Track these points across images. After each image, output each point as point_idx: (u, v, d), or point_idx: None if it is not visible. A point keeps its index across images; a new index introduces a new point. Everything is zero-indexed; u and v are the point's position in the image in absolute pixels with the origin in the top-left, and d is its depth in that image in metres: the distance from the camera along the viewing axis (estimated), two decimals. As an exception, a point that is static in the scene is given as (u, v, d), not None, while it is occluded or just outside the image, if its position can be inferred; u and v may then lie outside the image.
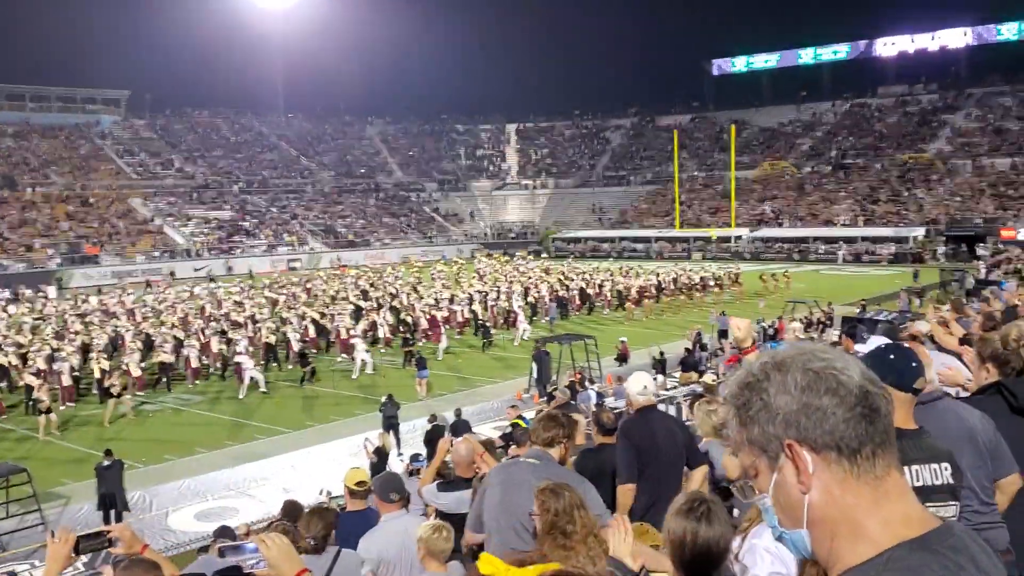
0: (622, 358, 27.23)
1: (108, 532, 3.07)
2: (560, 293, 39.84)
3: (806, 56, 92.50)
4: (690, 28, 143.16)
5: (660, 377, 22.41)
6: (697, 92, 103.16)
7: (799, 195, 74.80)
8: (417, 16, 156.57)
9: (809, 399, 1.28)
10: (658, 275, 44.15)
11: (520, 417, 15.63)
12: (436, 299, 36.36)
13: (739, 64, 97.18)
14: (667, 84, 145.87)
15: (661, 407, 7.97)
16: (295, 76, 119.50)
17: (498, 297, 38.13)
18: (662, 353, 25.63)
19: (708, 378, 16.18)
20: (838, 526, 1.27)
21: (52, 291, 48.97)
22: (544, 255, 66.17)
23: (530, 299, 38.46)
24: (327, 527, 5.04)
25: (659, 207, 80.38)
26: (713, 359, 24.78)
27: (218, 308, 37.39)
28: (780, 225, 70.90)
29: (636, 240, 74.81)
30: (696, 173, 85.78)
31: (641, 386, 5.92)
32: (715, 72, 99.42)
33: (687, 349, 25.88)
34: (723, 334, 28.45)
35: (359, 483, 6.31)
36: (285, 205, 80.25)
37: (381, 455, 16.40)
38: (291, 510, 8.98)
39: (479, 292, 39.02)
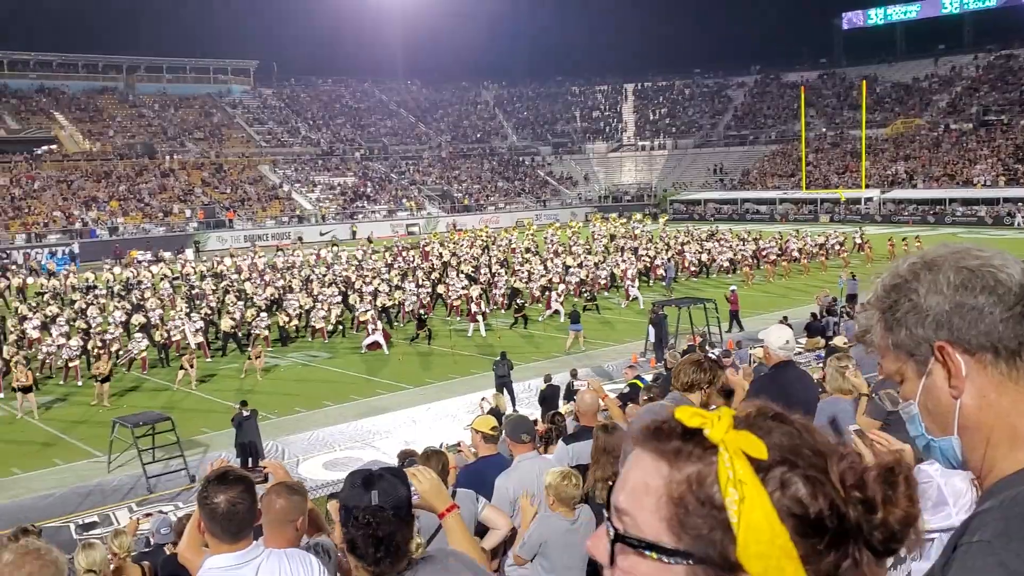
0: (733, 315, 26.69)
1: (264, 467, 3.27)
2: (675, 256, 39.37)
3: (950, 5, 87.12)
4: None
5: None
6: (825, 47, 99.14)
7: (935, 154, 71.09)
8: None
9: (963, 298, 1.19)
10: (781, 239, 43.01)
11: (638, 377, 15.69)
12: (547, 268, 36.13)
13: (875, 16, 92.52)
14: (792, 39, 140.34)
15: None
16: (413, 44, 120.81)
17: (603, 262, 38.12)
18: (786, 318, 25.06)
19: (839, 340, 15.77)
20: (993, 432, 1.19)
21: (190, 253, 51.56)
22: (662, 217, 65.23)
23: (642, 264, 38.07)
24: (443, 467, 5.26)
25: (784, 167, 77.96)
26: (841, 323, 24.02)
27: (340, 270, 38.61)
28: (914, 186, 67.63)
29: (759, 202, 72.86)
30: (824, 131, 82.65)
31: (783, 339, 5.80)
32: (845, 26, 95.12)
33: (813, 314, 25.17)
34: (851, 298, 27.54)
35: (493, 428, 6.54)
36: (403, 171, 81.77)
37: (496, 415, 16.72)
38: (404, 456, 9.34)
39: (587, 256, 39.03)
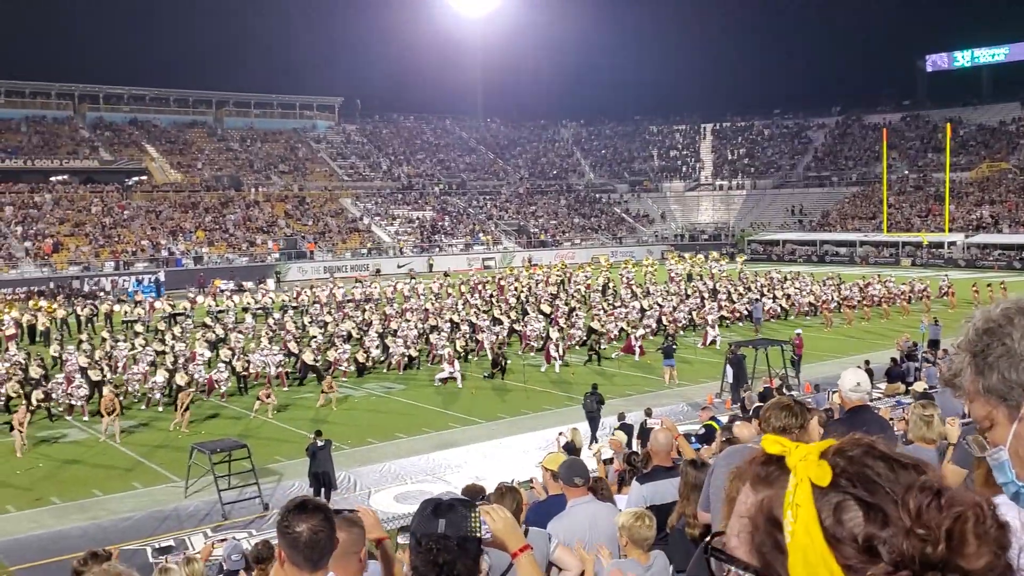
0: (794, 360, 25.84)
1: (356, 511, 3.25)
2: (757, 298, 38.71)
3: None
4: (901, 23, 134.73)
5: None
6: (908, 89, 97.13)
7: (1021, 198, 68.70)
8: (611, 18, 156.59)
9: None
10: (862, 282, 41.99)
11: (713, 419, 15.38)
12: (626, 311, 35.78)
13: (960, 59, 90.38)
14: (875, 81, 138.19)
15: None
16: (493, 81, 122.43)
17: (683, 301, 37.72)
18: (867, 363, 24.33)
19: (919, 386, 15.22)
20: None
21: (271, 284, 52.76)
22: (739, 257, 64.31)
23: (723, 308, 37.53)
24: (517, 505, 5.18)
25: (864, 209, 76.23)
26: (923, 369, 23.22)
27: (417, 303, 39.00)
28: (999, 231, 65.37)
29: (839, 244, 71.30)
30: (906, 173, 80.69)
31: (854, 382, 5.64)
32: (928, 68, 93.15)
33: (893, 359, 24.40)
34: (934, 344, 26.66)
35: (558, 467, 6.43)
36: (481, 206, 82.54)
37: (571, 450, 16.54)
38: (472, 492, 9.25)
39: (665, 295, 38.65)
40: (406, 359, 29.12)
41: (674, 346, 27.60)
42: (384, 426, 22.14)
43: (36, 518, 16.17)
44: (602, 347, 30.47)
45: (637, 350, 30.60)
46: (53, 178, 67.38)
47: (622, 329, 32.87)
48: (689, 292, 41.48)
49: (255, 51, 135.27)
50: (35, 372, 25.37)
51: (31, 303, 41.75)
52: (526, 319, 33.89)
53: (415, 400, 25.13)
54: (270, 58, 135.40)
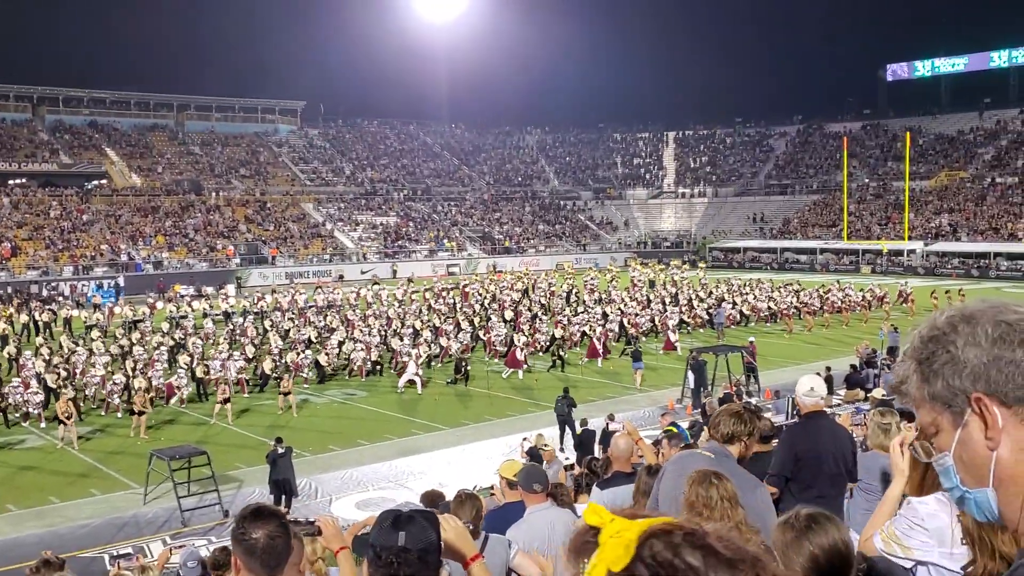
0: (749, 366, 26.00)
1: (316, 521, 3.25)
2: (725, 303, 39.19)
3: (999, 59, 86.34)
4: (862, 33, 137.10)
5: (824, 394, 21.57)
6: (869, 98, 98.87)
7: (979, 207, 70.17)
8: (576, 26, 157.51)
9: (1001, 351, 1.20)
10: (822, 289, 42.62)
11: (673, 424, 15.52)
12: (588, 317, 35.95)
13: (921, 68, 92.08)
14: (836, 90, 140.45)
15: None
16: (459, 87, 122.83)
17: (645, 307, 37.99)
18: (828, 369, 24.71)
19: (878, 392, 15.50)
20: None
21: (232, 289, 52.22)
22: (701, 264, 64.89)
23: (684, 312, 37.92)
24: (477, 512, 5.19)
25: (825, 217, 77.37)
26: (882, 376, 23.63)
27: (380, 309, 38.87)
28: (958, 239, 66.70)
29: (799, 251, 72.27)
30: (867, 182, 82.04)
31: (808, 387, 5.75)
32: (889, 78, 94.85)
33: (853, 366, 24.80)
34: (892, 351, 27.13)
35: (516, 474, 6.45)
36: (446, 212, 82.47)
37: (534, 456, 16.61)
38: (431, 498, 9.25)
39: (627, 301, 38.96)
40: (368, 365, 29.01)
41: (640, 349, 27.97)
42: (346, 432, 22.05)
43: (-10, 526, 15.89)
44: (565, 352, 30.60)
45: (601, 350, 30.84)
46: (11, 181, 66.08)
47: (584, 333, 33.05)
48: (651, 298, 41.81)
49: (217, 54, 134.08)
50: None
51: (-14, 308, 40.94)
52: (489, 324, 33.94)
53: (378, 407, 25.05)
54: (233, 61, 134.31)
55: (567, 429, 20.24)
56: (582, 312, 36.82)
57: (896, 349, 27.59)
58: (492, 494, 9.29)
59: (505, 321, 35.39)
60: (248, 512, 2.78)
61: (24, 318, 38.05)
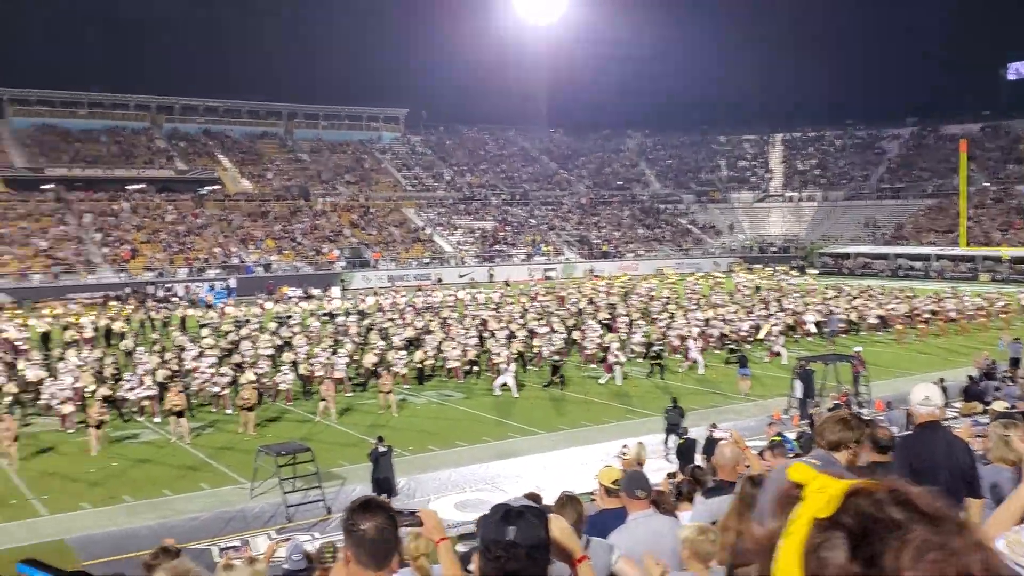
0: (857, 376, 24.92)
1: (417, 513, 3.27)
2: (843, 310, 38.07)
3: None
4: (981, 29, 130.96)
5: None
6: (988, 98, 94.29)
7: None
8: (679, 26, 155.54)
9: None
10: (937, 297, 40.84)
11: (780, 435, 15.05)
12: (688, 321, 35.41)
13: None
14: (953, 90, 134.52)
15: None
16: (558, 91, 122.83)
17: (749, 313, 37.09)
18: (942, 380, 23.58)
19: (998, 405, 14.67)
20: None
21: (336, 291, 53.51)
22: (809, 270, 63.07)
23: (791, 319, 36.90)
24: (579, 516, 5.12)
25: (941, 222, 74.17)
26: (1003, 388, 22.39)
27: (477, 312, 39.13)
28: (1086, 245, 62.98)
29: (914, 258, 69.45)
30: (986, 186, 78.27)
31: (923, 396, 5.44)
32: (1011, 76, 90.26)
33: (971, 377, 23.58)
34: (1014, 362, 25.75)
35: (615, 481, 6.36)
36: (543, 216, 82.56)
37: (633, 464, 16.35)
38: (532, 499, 9.19)
39: (730, 308, 38.07)
40: (466, 368, 29.22)
41: (745, 356, 27.43)
42: (444, 433, 22.23)
43: (109, 515, 16.58)
44: (664, 358, 30.09)
45: (699, 358, 30.31)
46: (130, 187, 69.44)
47: (683, 339, 32.47)
48: (756, 305, 40.80)
49: (325, 64, 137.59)
50: (108, 372, 26.06)
51: (108, 307, 43.02)
52: (584, 328, 33.74)
53: (475, 409, 25.17)
54: (339, 70, 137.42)
55: (672, 437, 19.88)
56: (681, 317, 36.25)
57: (1018, 361, 26.17)
58: (594, 499, 9.17)
59: (601, 324, 35.12)
60: (357, 504, 2.84)
61: (140, 317, 39.81)
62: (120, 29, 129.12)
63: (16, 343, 31.84)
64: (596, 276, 62.22)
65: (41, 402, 24.61)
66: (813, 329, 36.45)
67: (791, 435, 16.19)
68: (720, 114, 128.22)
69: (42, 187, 65.30)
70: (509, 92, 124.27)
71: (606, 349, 30.00)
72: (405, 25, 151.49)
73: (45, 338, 34.05)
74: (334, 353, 28.43)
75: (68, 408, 23.26)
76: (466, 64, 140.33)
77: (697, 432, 18.85)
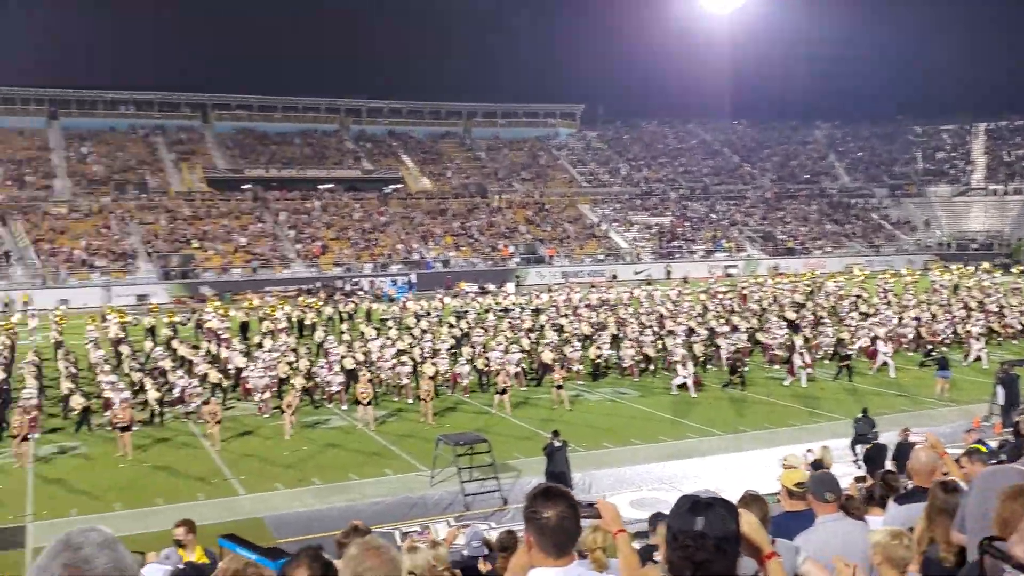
0: None
1: (596, 504, 3.27)
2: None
3: None
4: None
5: None
6: None
7: None
8: (870, 9, 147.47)
9: None
10: None
11: (980, 442, 13.93)
12: (879, 320, 33.52)
13: None
14: None
15: None
16: (741, 82, 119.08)
17: (947, 313, 34.54)
18: None
19: None
20: None
21: (511, 287, 54.36)
22: (1015, 268, 58.23)
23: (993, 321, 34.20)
24: (764, 515, 4.99)
25: None
26: None
27: (653, 309, 38.63)
28: None
29: None
30: None
31: None
32: None
33: None
34: None
35: (798, 484, 6.17)
36: (725, 211, 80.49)
37: (818, 468, 15.63)
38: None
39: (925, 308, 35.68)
40: (642, 365, 28.90)
41: (945, 357, 25.77)
42: (619, 430, 22.10)
43: (300, 497, 17.56)
44: (852, 359, 28.61)
45: (884, 358, 28.65)
46: (321, 186, 73.40)
47: (875, 337, 30.73)
48: (953, 304, 38.10)
49: (503, 62, 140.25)
50: (303, 364, 27.57)
51: (300, 300, 45.63)
52: (768, 326, 32.59)
53: (650, 407, 24.86)
54: (517, 68, 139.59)
55: (860, 446, 18.89)
56: (872, 315, 34.38)
57: None
58: (779, 500, 8.86)
59: (785, 321, 33.83)
60: (539, 492, 2.88)
61: (329, 310, 41.98)
62: (312, 36, 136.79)
63: (218, 332, 34.27)
64: (780, 273, 60.01)
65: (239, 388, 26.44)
66: (1018, 327, 33.67)
67: (992, 444, 14.96)
68: (916, 102, 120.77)
69: (242, 187, 70.19)
70: (689, 84, 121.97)
71: (791, 349, 28.89)
72: (582, 20, 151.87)
73: (244, 328, 36.49)
74: (508, 347, 28.87)
75: (265, 394, 24.82)
76: (644, 56, 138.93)
77: (887, 437, 17.82)
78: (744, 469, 18.17)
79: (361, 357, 27.85)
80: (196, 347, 30.88)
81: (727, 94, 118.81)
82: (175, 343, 31.72)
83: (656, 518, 9.43)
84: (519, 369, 27.72)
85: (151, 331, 34.84)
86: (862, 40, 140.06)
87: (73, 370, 26.03)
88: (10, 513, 16.66)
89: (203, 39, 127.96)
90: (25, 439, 19.92)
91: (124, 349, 30.30)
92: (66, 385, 24.20)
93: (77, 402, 22.72)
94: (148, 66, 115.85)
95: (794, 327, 33.18)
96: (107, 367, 26.84)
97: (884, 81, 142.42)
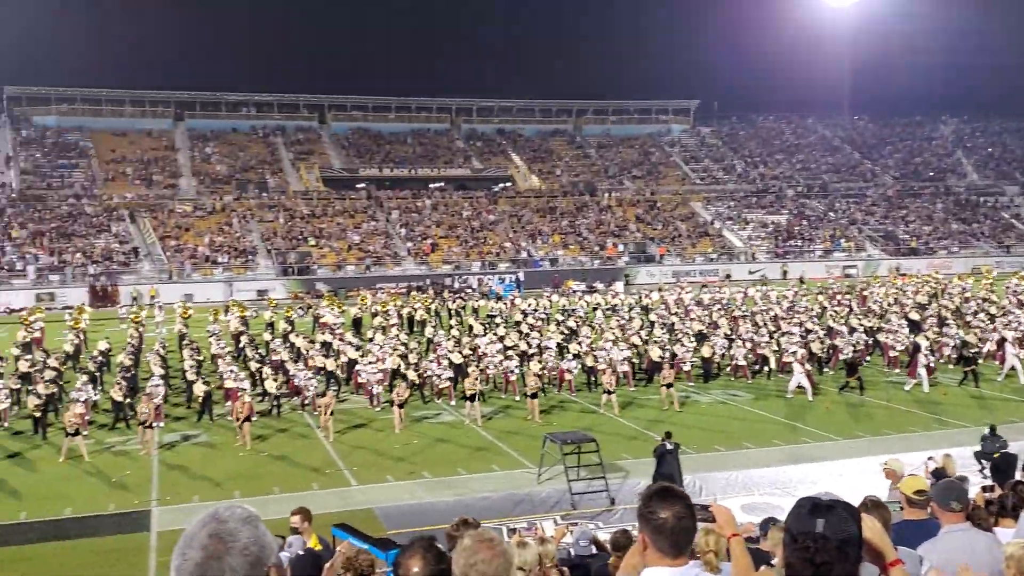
0: None
1: (710, 507, 3.23)
2: None
3: None
4: None
5: None
6: None
7: None
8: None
9: None
10: None
11: None
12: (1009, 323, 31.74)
13: None
14: None
15: None
16: (862, 75, 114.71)
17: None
18: None
19: None
20: None
21: (620, 286, 53.91)
22: None
23: None
24: (884, 523, 4.79)
25: None
26: None
27: (767, 311, 37.64)
28: None
29: None
30: None
31: None
32: None
33: None
34: None
35: (918, 492, 5.92)
36: (844, 210, 77.81)
37: (940, 478, 14.88)
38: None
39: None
40: (756, 367, 28.20)
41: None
42: (731, 433, 21.63)
43: (410, 489, 17.85)
44: (979, 364, 27.16)
45: (1012, 363, 27.12)
46: (432, 185, 74.56)
47: (1003, 340, 29.11)
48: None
49: (614, 58, 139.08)
50: (412, 357, 28.03)
51: (411, 297, 46.44)
52: (888, 326, 31.28)
53: (764, 410, 24.22)
54: (628, 64, 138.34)
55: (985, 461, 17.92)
56: (1000, 316, 32.61)
57: None
58: (901, 508, 8.51)
59: (908, 321, 32.41)
60: (655, 491, 2.87)
61: (438, 306, 42.58)
62: (424, 37, 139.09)
63: (333, 327, 35.20)
64: (903, 274, 57.61)
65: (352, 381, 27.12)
66: None
67: None
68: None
69: (356, 186, 71.98)
70: (807, 78, 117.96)
71: (913, 353, 27.65)
72: (694, 13, 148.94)
73: (357, 323, 37.37)
74: (616, 346, 28.64)
75: (377, 388, 25.33)
76: (760, 50, 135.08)
77: (1018, 446, 16.80)
78: (862, 475, 17.46)
79: (469, 352, 28.14)
80: (312, 340, 31.83)
81: (847, 88, 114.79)
82: (292, 336, 32.75)
83: (768, 523, 9.15)
84: (627, 368, 27.45)
85: (270, 325, 36.09)
86: (992, 30, 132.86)
87: (197, 359, 27.16)
88: (136, 498, 17.51)
89: (321, 43, 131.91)
90: (151, 426, 20.88)
91: (244, 341, 31.49)
92: (190, 375, 25.31)
93: (199, 391, 23.72)
94: (268, 69, 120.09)
95: (917, 328, 31.78)
96: (228, 358, 27.97)
97: (1017, 73, 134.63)
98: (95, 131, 74.74)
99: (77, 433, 20.25)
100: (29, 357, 28.61)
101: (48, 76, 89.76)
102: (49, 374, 25.02)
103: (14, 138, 72.29)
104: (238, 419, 21.28)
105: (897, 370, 28.47)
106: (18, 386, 25.09)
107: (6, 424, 23.06)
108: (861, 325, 32.14)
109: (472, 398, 23.02)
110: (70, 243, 57.11)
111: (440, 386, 25.91)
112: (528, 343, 29.76)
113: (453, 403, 25.14)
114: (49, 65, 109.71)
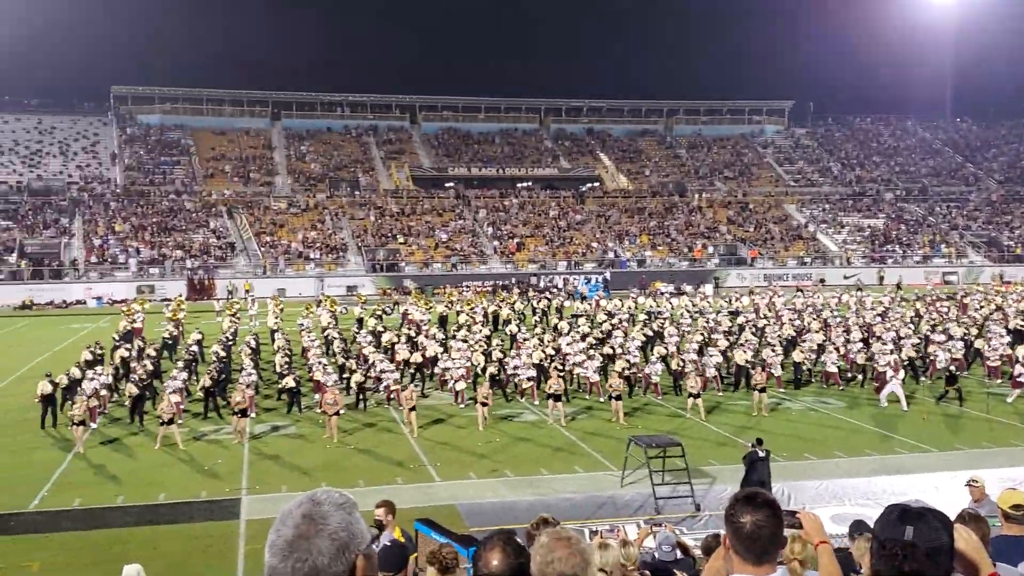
0: None
1: (798, 514, 3.15)
2: None
3: None
4: None
5: None
6: None
7: None
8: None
9: None
10: None
11: None
12: None
13: None
14: None
15: None
16: (965, 76, 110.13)
17: None
18: None
19: None
20: None
21: (709, 289, 53.10)
22: None
23: None
24: (982, 536, 4.57)
25: None
26: None
27: (862, 317, 36.54)
28: None
29: None
30: None
31: None
32: None
33: None
34: None
35: (1015, 506, 5.65)
36: (945, 214, 75.00)
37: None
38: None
39: None
40: (848, 374, 27.39)
41: None
42: (822, 441, 21.06)
43: (492, 487, 17.90)
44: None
45: None
46: (519, 184, 74.77)
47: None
48: None
49: (707, 58, 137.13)
50: (495, 354, 28.15)
51: (496, 295, 46.69)
52: (989, 338, 29.99)
53: (856, 419, 23.50)
54: (721, 64, 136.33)
55: None
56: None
57: None
58: (1000, 523, 8.14)
59: (1012, 334, 31.00)
60: (742, 496, 2.84)
61: (523, 305, 42.65)
62: (515, 38, 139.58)
63: (420, 323, 35.64)
64: (1007, 282, 55.20)
65: (436, 377, 27.40)
66: None
67: None
68: None
69: (445, 185, 72.72)
70: (907, 79, 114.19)
71: (1016, 363, 26.46)
72: (790, 13, 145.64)
73: (442, 320, 37.75)
74: (703, 350, 28.19)
75: (461, 384, 25.52)
76: (859, 50, 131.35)
77: None
78: (959, 489, 16.76)
79: (552, 351, 28.07)
80: (398, 335, 32.30)
81: (949, 89, 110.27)
82: (380, 331, 33.27)
83: (856, 528, 8.82)
84: (716, 372, 27.00)
85: (359, 320, 36.73)
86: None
87: (288, 352, 27.83)
88: (227, 486, 18.03)
89: (414, 44, 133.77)
90: (244, 414, 21.48)
91: (333, 335, 32.14)
92: (281, 367, 25.96)
93: (289, 383, 24.31)
94: (362, 71, 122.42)
95: (1019, 337, 30.38)
96: (317, 352, 28.60)
97: None
98: (196, 130, 77.50)
99: (172, 422, 20.97)
100: (128, 347, 29.78)
101: (152, 76, 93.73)
102: (147, 364, 26.01)
103: (119, 136, 75.46)
104: (326, 412, 21.71)
105: (999, 380, 27.28)
106: (116, 374, 26.15)
107: (106, 411, 24.02)
108: (959, 333, 30.94)
109: (556, 398, 22.99)
110: (170, 237, 59.30)
111: (523, 385, 25.95)
112: (612, 344, 29.55)
113: (536, 402, 25.14)
114: (153, 66, 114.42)
